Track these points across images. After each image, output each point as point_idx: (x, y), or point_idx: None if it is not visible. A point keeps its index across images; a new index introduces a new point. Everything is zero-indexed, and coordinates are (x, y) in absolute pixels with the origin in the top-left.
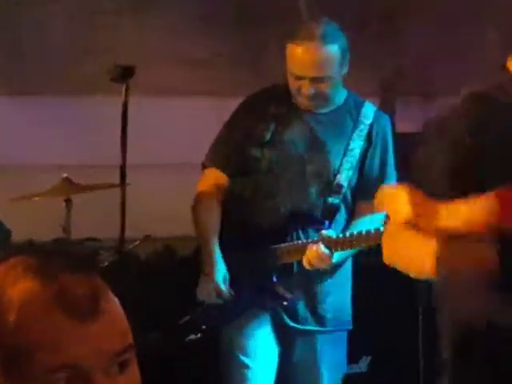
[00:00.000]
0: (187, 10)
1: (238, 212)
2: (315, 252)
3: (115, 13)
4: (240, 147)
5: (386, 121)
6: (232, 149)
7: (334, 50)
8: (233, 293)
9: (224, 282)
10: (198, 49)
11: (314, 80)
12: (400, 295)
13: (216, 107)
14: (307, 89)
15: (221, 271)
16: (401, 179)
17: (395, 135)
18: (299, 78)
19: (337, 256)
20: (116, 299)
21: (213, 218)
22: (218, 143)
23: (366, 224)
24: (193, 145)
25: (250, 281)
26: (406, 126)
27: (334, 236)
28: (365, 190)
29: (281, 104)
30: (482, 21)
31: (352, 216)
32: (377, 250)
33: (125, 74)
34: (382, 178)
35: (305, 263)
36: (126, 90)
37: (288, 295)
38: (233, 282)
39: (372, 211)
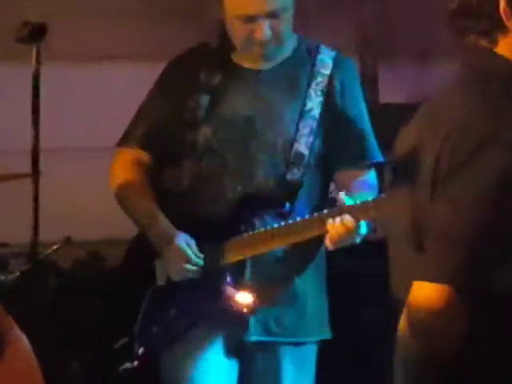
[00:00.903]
0: None
1: (175, 205)
2: (340, 225)
3: None
4: (166, 127)
5: (350, 65)
6: (157, 127)
7: None
8: (201, 256)
9: (189, 246)
10: None
11: (269, 16)
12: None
13: (152, 74)
14: (263, 30)
15: (180, 236)
16: (383, 160)
17: (377, 106)
18: (251, 19)
19: (364, 226)
20: (24, 339)
21: (148, 194)
22: (136, 121)
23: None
24: (123, 123)
25: (197, 288)
26: (390, 95)
27: (355, 203)
28: (340, 154)
29: (214, 67)
30: None
31: (326, 189)
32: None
33: (35, 33)
34: (359, 136)
35: (328, 242)
36: (37, 54)
37: (251, 300)
38: (175, 290)
39: (358, 178)
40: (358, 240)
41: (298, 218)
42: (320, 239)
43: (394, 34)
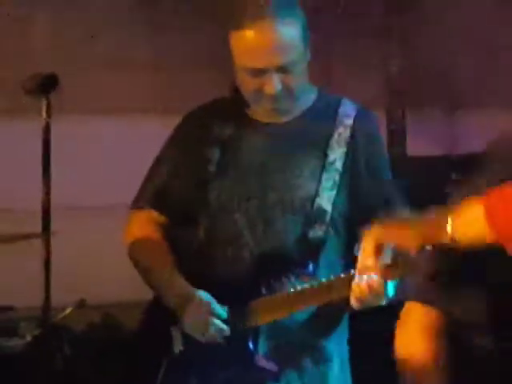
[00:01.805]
0: None
1: (188, 268)
2: (365, 285)
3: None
4: (179, 185)
5: (373, 118)
6: (168, 186)
7: (293, 23)
8: (227, 310)
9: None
10: (138, 48)
11: (279, 70)
12: None
13: (167, 128)
14: (273, 84)
15: (201, 292)
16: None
17: (406, 159)
18: (259, 72)
19: (391, 287)
20: None
21: (164, 255)
22: (149, 178)
23: None
24: (138, 179)
25: (217, 353)
26: (418, 148)
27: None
28: (365, 215)
29: (227, 121)
30: None
31: (346, 248)
32: None
33: (45, 84)
34: (384, 197)
35: (353, 302)
36: (48, 107)
37: (274, 367)
38: (194, 358)
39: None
40: (384, 302)
41: (323, 279)
42: (345, 302)
43: (422, 86)
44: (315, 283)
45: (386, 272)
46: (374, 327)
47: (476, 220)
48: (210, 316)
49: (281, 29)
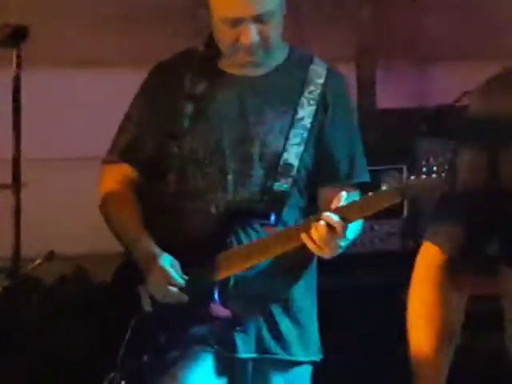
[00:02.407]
0: None
1: (160, 222)
2: (323, 227)
3: None
4: (150, 138)
5: (343, 79)
6: (139, 140)
7: None
8: (186, 278)
9: (172, 267)
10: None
11: (257, 20)
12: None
13: (140, 80)
14: (250, 35)
15: (165, 257)
16: (376, 164)
17: (375, 111)
18: (237, 22)
19: (351, 229)
20: None
21: (132, 212)
22: (120, 132)
23: None
24: (110, 132)
25: (184, 310)
26: (388, 101)
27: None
28: (328, 169)
29: (200, 75)
30: None
31: (310, 204)
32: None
33: (15, 36)
34: (348, 154)
35: (312, 247)
36: (18, 58)
37: (238, 316)
38: (162, 316)
39: (341, 199)
40: (343, 244)
41: (282, 228)
42: (311, 254)
43: (391, 40)
44: (276, 232)
45: (345, 212)
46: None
47: None
48: (167, 285)
49: None
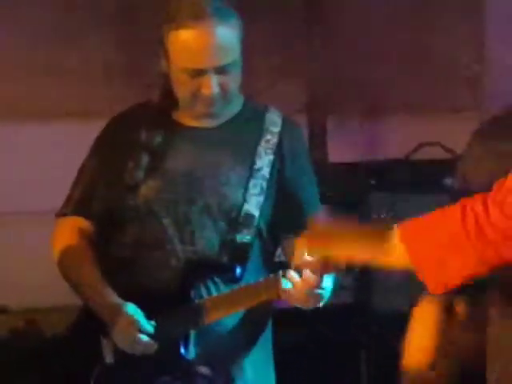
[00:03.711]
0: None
1: (119, 275)
2: (300, 281)
3: None
4: (104, 191)
5: (298, 128)
6: (93, 192)
7: (232, 25)
8: (154, 325)
9: (139, 315)
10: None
11: (218, 71)
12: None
13: (90, 133)
14: (211, 85)
15: (130, 306)
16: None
17: (327, 165)
18: (198, 73)
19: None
20: None
21: (90, 265)
22: (74, 185)
23: None
24: (62, 185)
25: (149, 362)
26: (340, 155)
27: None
28: (293, 218)
29: (155, 126)
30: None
31: (269, 254)
32: None
33: None
34: (313, 201)
35: (295, 301)
36: None
37: (207, 371)
38: (125, 368)
39: (304, 248)
40: (323, 300)
41: (251, 282)
42: (268, 309)
43: (342, 92)
44: (244, 286)
45: (322, 266)
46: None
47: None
48: (137, 333)
49: (221, 30)
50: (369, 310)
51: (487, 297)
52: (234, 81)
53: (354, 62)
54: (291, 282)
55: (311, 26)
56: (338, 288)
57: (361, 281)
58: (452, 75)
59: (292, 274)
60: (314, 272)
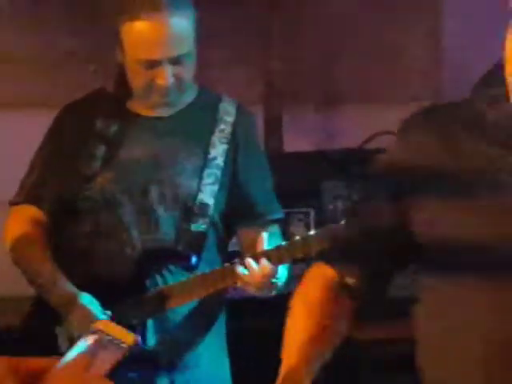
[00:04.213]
0: None
1: (75, 265)
2: (258, 270)
3: None
4: (58, 179)
5: (252, 117)
6: (46, 181)
7: (186, 15)
8: (109, 314)
9: (93, 305)
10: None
11: (173, 62)
12: None
13: (46, 122)
14: (166, 76)
15: (85, 296)
16: (284, 207)
17: (282, 155)
18: (153, 64)
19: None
20: None
21: (45, 254)
22: (28, 173)
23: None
24: (16, 175)
25: None
26: (295, 144)
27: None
28: (245, 208)
29: (111, 116)
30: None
31: (224, 243)
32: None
33: None
34: (263, 191)
35: (251, 289)
36: None
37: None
38: None
39: (259, 237)
40: (277, 289)
41: (207, 270)
42: (223, 297)
43: (299, 82)
44: (200, 274)
45: (276, 254)
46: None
47: None
48: (91, 323)
49: (175, 20)
50: None
51: None
52: (188, 71)
53: (311, 53)
54: (248, 269)
55: (269, 16)
56: (291, 277)
57: None
58: (408, 65)
59: (249, 261)
60: (270, 261)
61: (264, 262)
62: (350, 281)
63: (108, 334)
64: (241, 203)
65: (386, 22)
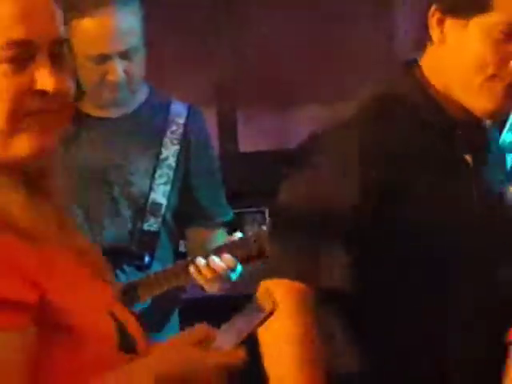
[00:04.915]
0: None
1: None
2: (208, 267)
3: None
4: None
5: (202, 117)
6: None
7: (133, 11)
8: None
9: None
10: None
11: (122, 57)
12: None
13: None
14: (117, 71)
15: None
16: (240, 207)
17: (237, 155)
18: (103, 59)
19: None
20: None
21: None
22: None
23: None
24: None
25: None
26: (249, 145)
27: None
28: (194, 209)
29: None
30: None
31: (177, 243)
32: None
33: None
34: (213, 193)
35: (205, 286)
36: None
37: None
38: None
39: (206, 239)
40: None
41: (160, 269)
42: (176, 295)
43: (252, 83)
44: (153, 273)
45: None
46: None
47: None
48: None
49: (122, 15)
50: None
51: None
52: (138, 67)
53: (265, 53)
54: (199, 267)
55: (221, 17)
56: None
57: None
58: (362, 67)
59: (199, 259)
60: (232, 255)
61: (226, 257)
62: None
63: None
64: (190, 205)
65: (343, 24)
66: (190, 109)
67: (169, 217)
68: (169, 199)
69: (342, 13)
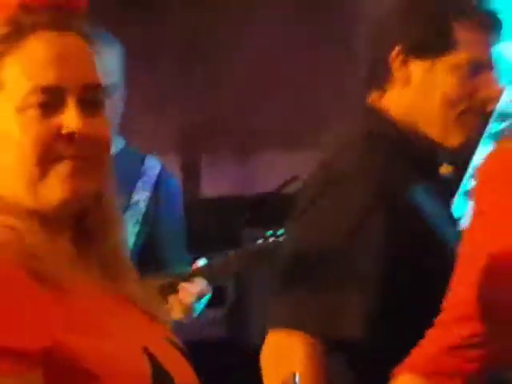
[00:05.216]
0: None
1: None
2: (177, 301)
3: None
4: None
5: (173, 174)
6: None
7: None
8: None
9: None
10: None
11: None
12: None
13: None
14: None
15: None
16: (204, 254)
17: (200, 200)
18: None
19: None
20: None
21: None
22: None
23: None
24: None
25: None
26: (212, 189)
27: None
28: (153, 259)
29: None
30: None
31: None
32: None
33: None
34: (175, 249)
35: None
36: None
37: None
38: None
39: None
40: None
41: None
42: None
43: (216, 130)
44: None
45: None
46: None
47: None
48: None
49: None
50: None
51: None
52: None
53: (228, 99)
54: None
55: (188, 65)
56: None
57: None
58: (330, 111)
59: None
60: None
61: (198, 282)
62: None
63: None
64: (151, 253)
65: (313, 67)
66: (162, 165)
67: (134, 258)
68: (135, 241)
69: (305, 57)
